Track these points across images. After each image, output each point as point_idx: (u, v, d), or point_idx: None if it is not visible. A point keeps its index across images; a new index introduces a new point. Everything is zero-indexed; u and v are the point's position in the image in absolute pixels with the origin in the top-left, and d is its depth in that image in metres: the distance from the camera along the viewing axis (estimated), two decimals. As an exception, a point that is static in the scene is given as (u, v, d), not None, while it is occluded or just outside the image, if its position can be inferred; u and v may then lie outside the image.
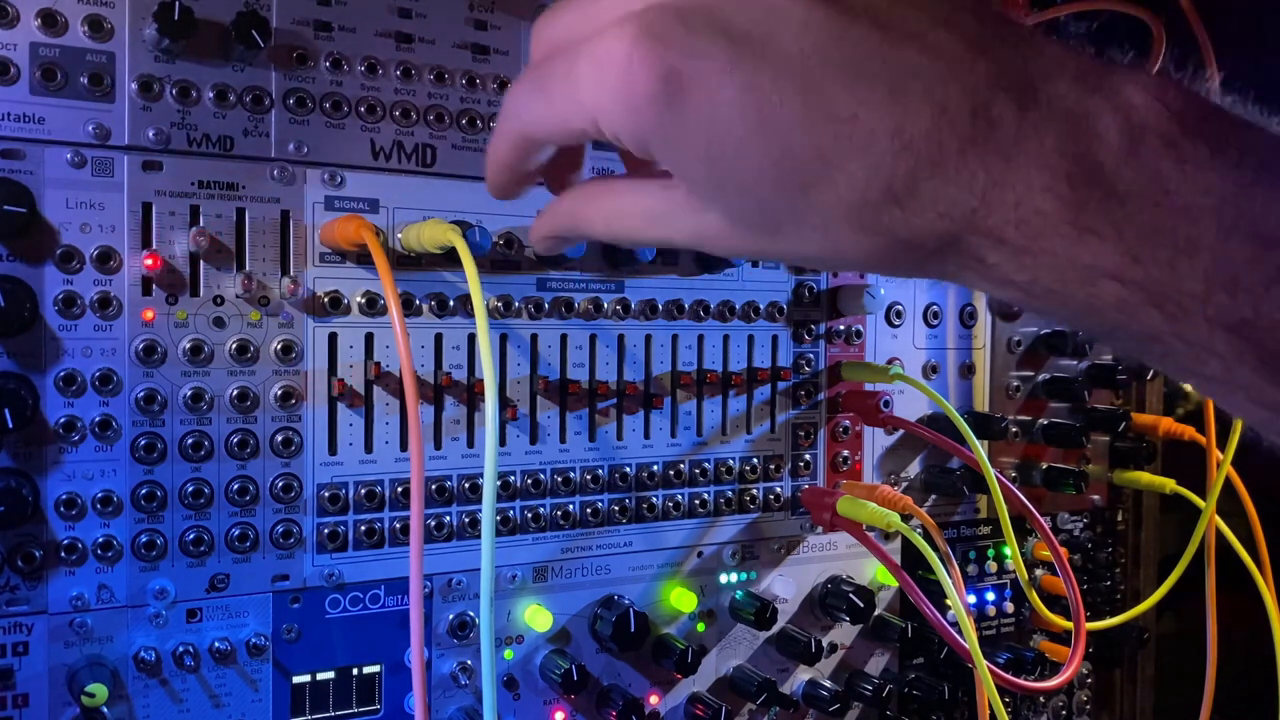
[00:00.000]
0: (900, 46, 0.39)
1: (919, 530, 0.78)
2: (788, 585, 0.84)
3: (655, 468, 0.78)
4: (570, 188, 0.54)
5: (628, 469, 0.78)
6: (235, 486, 0.65)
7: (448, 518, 0.71)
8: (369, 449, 0.69)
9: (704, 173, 0.42)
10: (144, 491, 0.62)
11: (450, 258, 0.66)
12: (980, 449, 0.82)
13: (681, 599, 0.80)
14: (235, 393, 0.64)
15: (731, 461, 0.82)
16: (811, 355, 0.85)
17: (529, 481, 0.74)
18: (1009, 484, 0.85)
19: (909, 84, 0.38)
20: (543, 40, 0.47)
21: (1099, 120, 0.36)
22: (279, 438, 0.66)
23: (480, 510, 0.72)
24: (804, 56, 0.39)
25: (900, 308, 0.89)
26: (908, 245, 0.40)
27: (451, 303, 0.70)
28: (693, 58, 0.39)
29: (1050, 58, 0.38)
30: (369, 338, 0.68)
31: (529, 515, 0.74)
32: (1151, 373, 1.00)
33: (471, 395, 0.72)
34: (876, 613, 0.88)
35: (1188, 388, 1.06)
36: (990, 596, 0.96)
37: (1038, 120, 0.37)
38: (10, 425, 0.57)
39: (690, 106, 0.40)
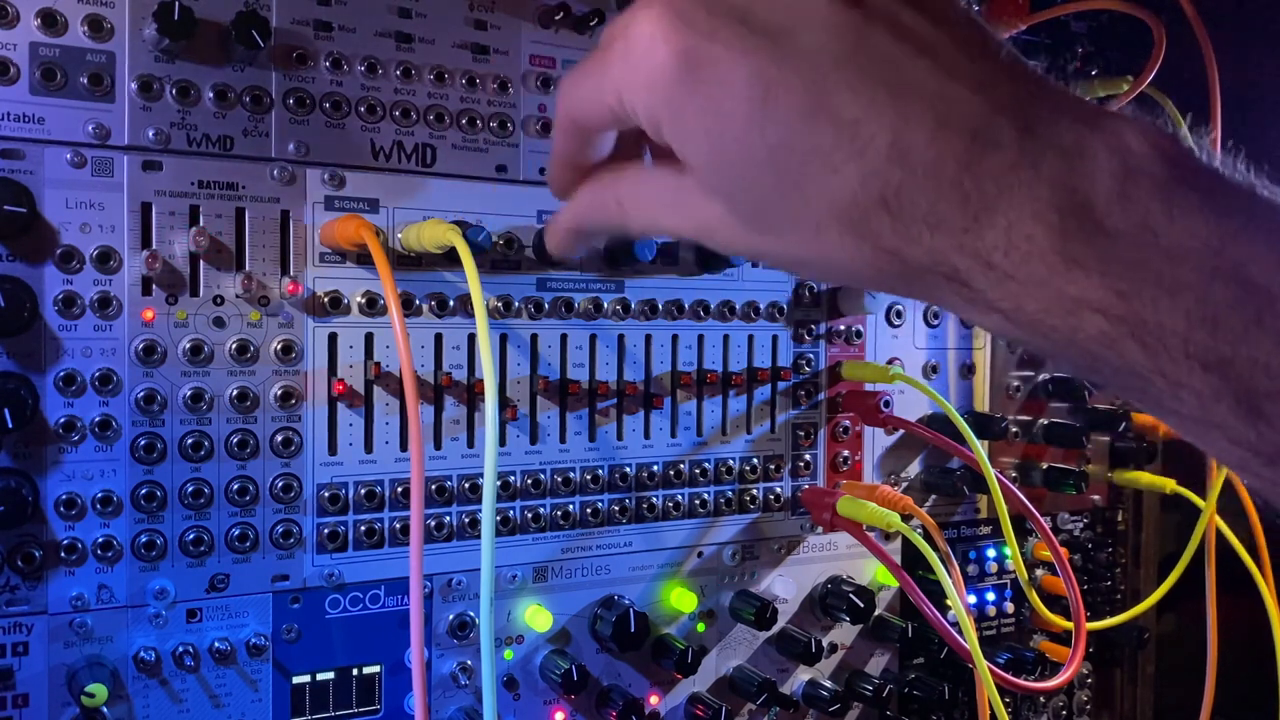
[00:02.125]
0: (914, 58, 0.39)
1: (919, 530, 0.78)
2: (788, 585, 0.84)
3: (655, 468, 0.78)
4: (589, 179, 0.54)
5: (628, 469, 0.78)
6: (235, 486, 0.65)
7: (448, 518, 0.71)
8: (369, 449, 0.69)
9: (706, 155, 0.43)
10: (144, 491, 0.62)
11: (450, 258, 0.66)
12: (980, 449, 0.82)
13: (681, 599, 0.80)
14: (235, 393, 0.64)
15: (731, 461, 0.82)
16: (811, 355, 0.85)
17: (529, 481, 0.74)
18: (1009, 484, 0.85)
19: (915, 96, 0.39)
20: (603, 37, 0.49)
21: (1095, 159, 0.37)
22: (279, 438, 0.66)
23: (480, 510, 0.72)
24: (817, 54, 0.40)
25: (900, 307, 0.89)
26: (894, 256, 0.40)
27: (451, 303, 0.70)
28: (710, 40, 0.41)
29: (1055, 98, 0.39)
30: (369, 338, 0.68)
31: (529, 515, 0.74)
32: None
33: (471, 395, 0.72)
34: (876, 613, 0.88)
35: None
36: (990, 596, 0.96)
37: (1035, 151, 0.37)
38: (10, 425, 0.57)
39: (701, 86, 0.41)
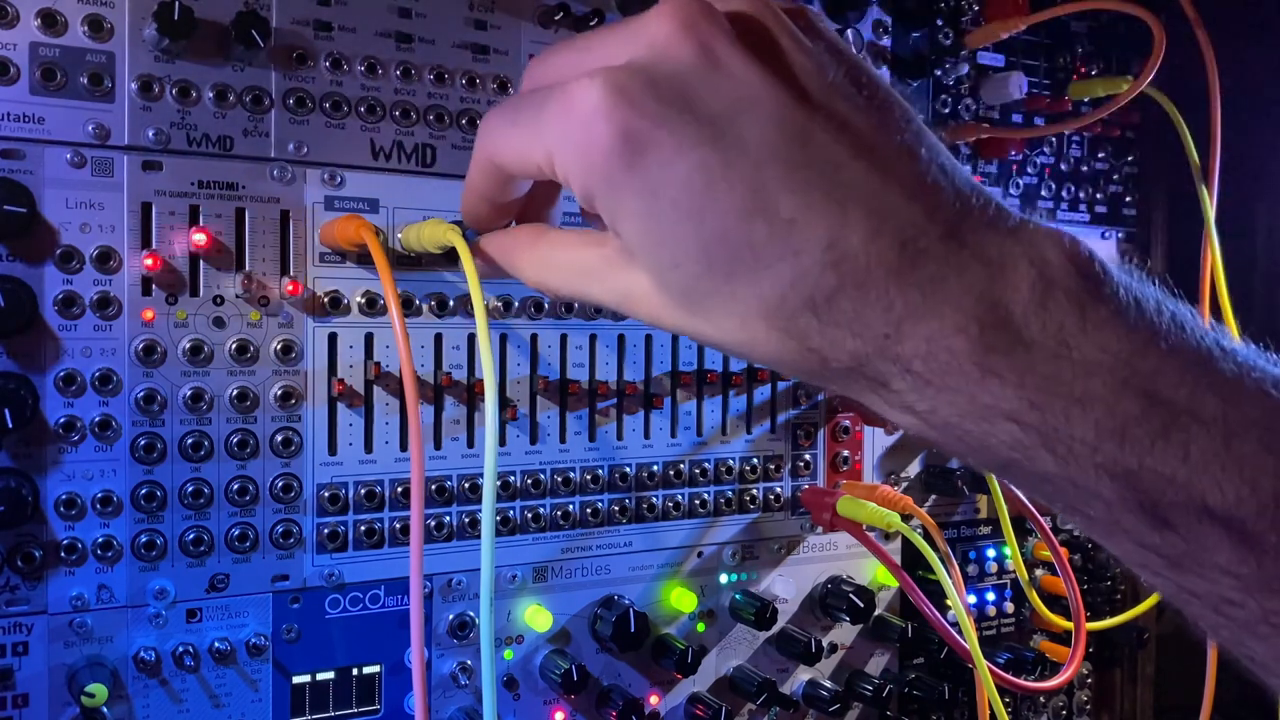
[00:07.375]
0: (853, 159, 0.40)
1: (919, 530, 0.78)
2: (788, 585, 0.84)
3: (655, 468, 0.78)
4: (508, 229, 0.54)
5: (628, 469, 0.78)
6: (235, 486, 0.65)
7: (448, 518, 0.71)
8: (369, 449, 0.69)
9: (638, 235, 0.42)
10: (144, 491, 0.62)
11: (450, 258, 0.66)
12: (980, 449, 0.82)
13: (681, 599, 0.80)
14: (235, 393, 0.64)
15: (731, 461, 0.82)
16: (811, 355, 0.85)
17: (529, 481, 0.74)
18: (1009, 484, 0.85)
19: (851, 201, 0.39)
20: (533, 75, 0.48)
21: (1015, 271, 0.38)
22: (279, 438, 0.66)
23: (480, 510, 0.72)
24: (760, 151, 0.40)
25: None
26: (817, 355, 0.40)
27: (451, 303, 0.70)
28: (655, 126, 0.40)
29: (981, 204, 0.40)
30: (369, 338, 0.68)
31: (529, 515, 0.74)
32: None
33: (471, 395, 0.72)
34: (876, 613, 0.88)
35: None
36: (990, 596, 0.96)
37: (960, 262, 0.38)
38: (10, 425, 0.57)
39: (641, 170, 0.41)
